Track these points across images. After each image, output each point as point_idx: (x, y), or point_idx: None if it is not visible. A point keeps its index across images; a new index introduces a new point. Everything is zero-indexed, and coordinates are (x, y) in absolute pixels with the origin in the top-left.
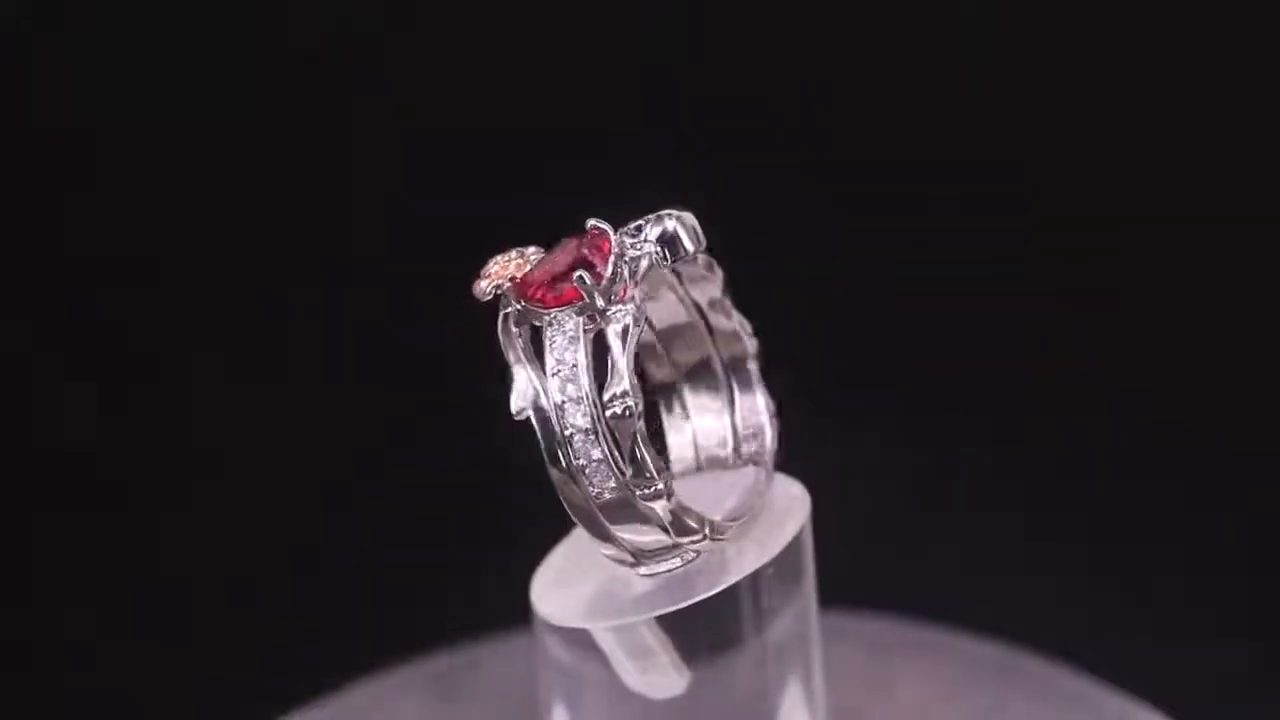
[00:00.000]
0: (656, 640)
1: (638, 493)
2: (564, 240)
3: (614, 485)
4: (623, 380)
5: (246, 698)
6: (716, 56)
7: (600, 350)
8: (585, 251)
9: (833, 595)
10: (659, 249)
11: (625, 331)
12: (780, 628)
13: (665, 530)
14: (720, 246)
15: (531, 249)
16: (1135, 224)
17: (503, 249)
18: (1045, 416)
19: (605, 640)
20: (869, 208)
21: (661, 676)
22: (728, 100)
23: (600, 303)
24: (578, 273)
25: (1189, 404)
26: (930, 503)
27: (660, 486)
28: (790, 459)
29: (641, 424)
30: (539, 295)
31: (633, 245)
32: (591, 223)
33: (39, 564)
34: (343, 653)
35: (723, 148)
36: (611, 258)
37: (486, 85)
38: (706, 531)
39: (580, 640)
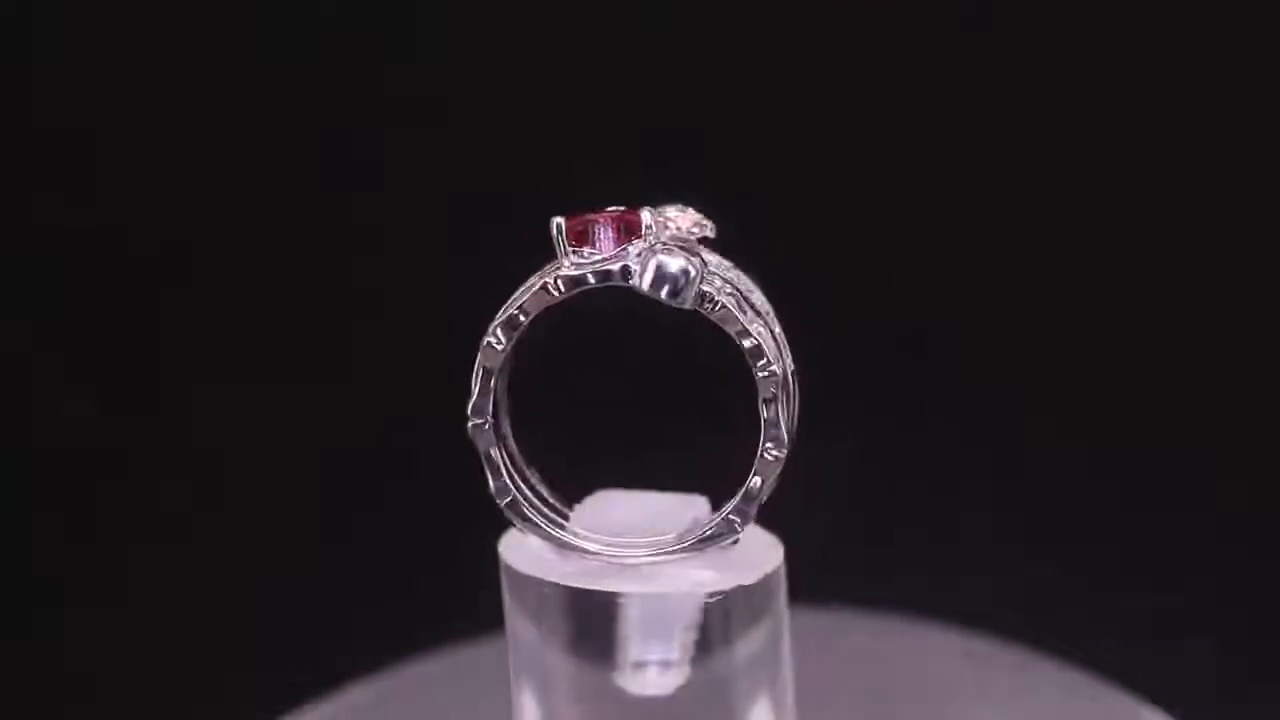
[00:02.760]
0: (684, 625)
1: (469, 421)
2: (643, 209)
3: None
4: (502, 317)
5: (246, 698)
6: (717, 55)
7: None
8: (601, 219)
9: (831, 594)
10: (647, 280)
11: (535, 286)
12: (750, 645)
13: (493, 469)
14: (722, 246)
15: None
16: (1135, 222)
17: (503, 248)
18: (1046, 415)
19: (633, 610)
20: (867, 206)
21: (660, 672)
22: (726, 99)
23: (565, 259)
24: (557, 219)
25: (1189, 403)
26: (930, 501)
27: (474, 423)
28: (791, 455)
29: (492, 369)
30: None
31: (639, 253)
32: (646, 213)
33: (39, 564)
34: (343, 653)
35: (721, 148)
36: (630, 246)
37: (485, 84)
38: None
39: (549, 624)
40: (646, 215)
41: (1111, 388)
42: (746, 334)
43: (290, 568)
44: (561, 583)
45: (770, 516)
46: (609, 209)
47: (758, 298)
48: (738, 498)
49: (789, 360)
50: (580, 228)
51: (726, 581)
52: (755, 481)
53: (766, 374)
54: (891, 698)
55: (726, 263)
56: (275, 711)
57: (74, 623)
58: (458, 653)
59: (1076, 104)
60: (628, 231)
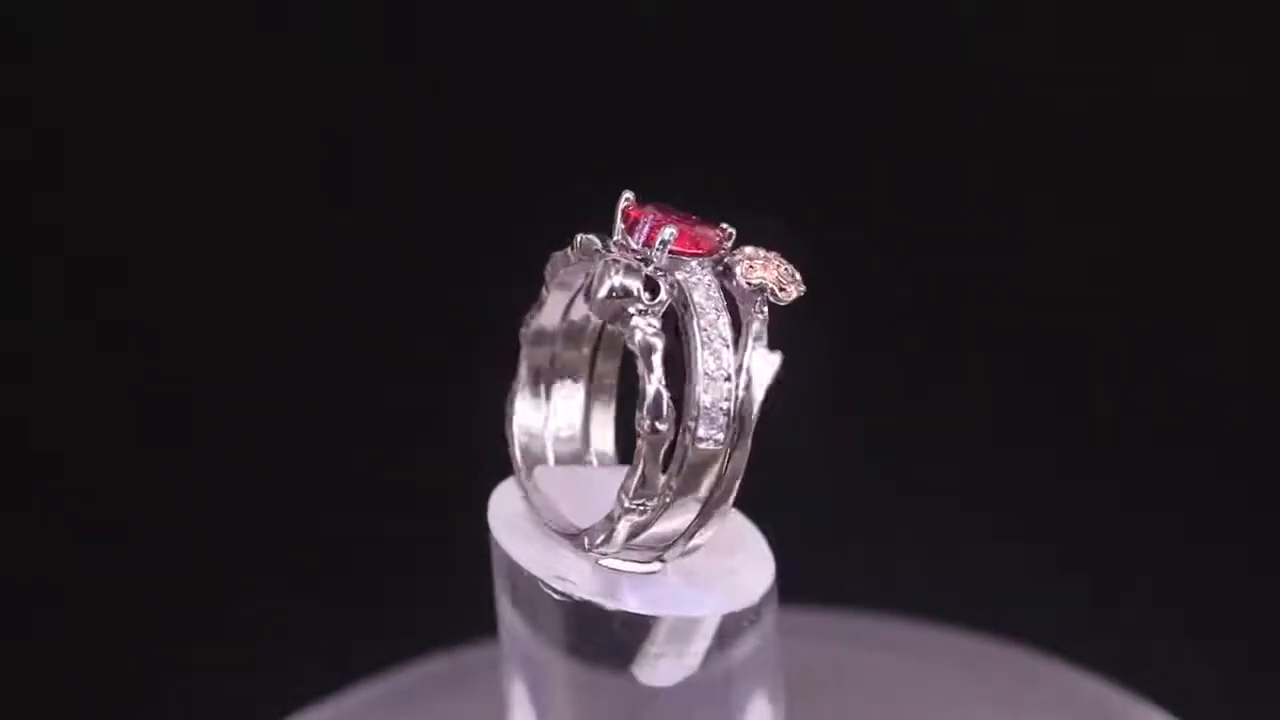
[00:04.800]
0: (706, 632)
1: None
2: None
3: None
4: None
5: (246, 699)
6: (717, 55)
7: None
8: (649, 216)
9: (830, 594)
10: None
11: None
12: (742, 648)
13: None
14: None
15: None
16: (1132, 224)
17: (501, 248)
18: (1044, 415)
19: (665, 620)
20: (866, 202)
21: (674, 663)
22: (725, 97)
23: (615, 234)
24: (628, 193)
25: (1188, 403)
26: (929, 501)
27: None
28: (788, 456)
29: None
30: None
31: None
32: (668, 230)
33: (39, 564)
34: (343, 654)
35: (718, 145)
36: (664, 247)
37: (483, 82)
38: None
39: (542, 620)
40: (667, 232)
41: (1113, 386)
42: (646, 380)
43: (290, 568)
44: (549, 584)
45: (770, 516)
46: (675, 214)
47: (728, 365)
48: (587, 530)
49: (708, 435)
50: (636, 214)
51: (715, 607)
52: (608, 525)
53: (640, 425)
54: (890, 698)
55: (757, 319)
56: (275, 713)
57: (74, 622)
58: (458, 655)
59: (1075, 103)
60: (658, 221)
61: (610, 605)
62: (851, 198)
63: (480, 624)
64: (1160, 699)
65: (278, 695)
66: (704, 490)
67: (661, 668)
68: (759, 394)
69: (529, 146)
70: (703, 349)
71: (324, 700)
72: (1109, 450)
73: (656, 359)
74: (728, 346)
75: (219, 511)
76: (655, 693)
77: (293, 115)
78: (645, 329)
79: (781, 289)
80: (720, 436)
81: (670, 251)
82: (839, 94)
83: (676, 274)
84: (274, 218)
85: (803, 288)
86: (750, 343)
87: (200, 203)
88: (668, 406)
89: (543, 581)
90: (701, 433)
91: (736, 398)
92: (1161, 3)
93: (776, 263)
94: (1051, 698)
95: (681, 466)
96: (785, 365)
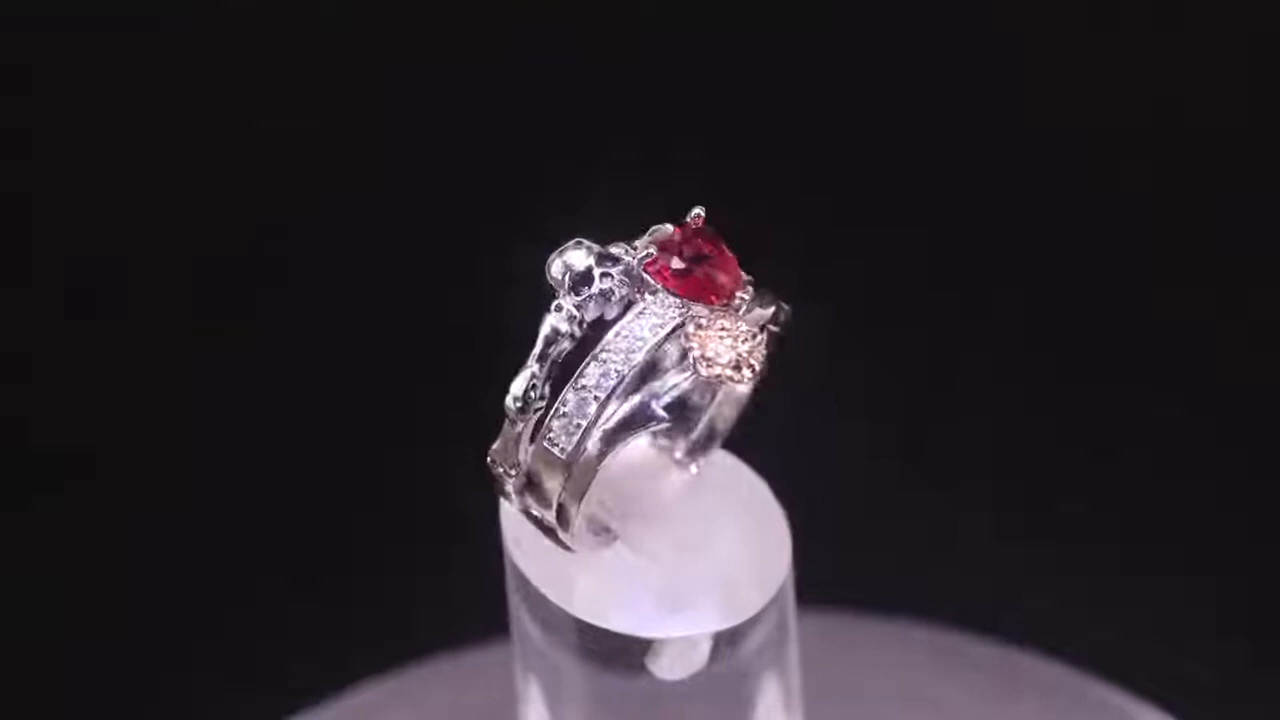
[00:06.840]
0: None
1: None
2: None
3: None
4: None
5: (247, 698)
6: (717, 55)
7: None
8: (679, 233)
9: (831, 595)
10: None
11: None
12: (756, 640)
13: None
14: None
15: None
16: (1127, 226)
17: (501, 248)
18: (1044, 414)
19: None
20: (865, 202)
21: (683, 660)
22: (725, 97)
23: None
24: (700, 209)
25: (1188, 402)
26: (930, 501)
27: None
28: (787, 458)
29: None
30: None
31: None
32: (641, 258)
33: (38, 564)
34: (343, 654)
35: (718, 145)
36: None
37: (482, 82)
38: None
39: (553, 622)
40: (647, 249)
41: (1113, 385)
42: (528, 363)
43: (290, 568)
44: (571, 613)
45: None
46: (712, 249)
47: (606, 392)
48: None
49: (558, 439)
50: (678, 230)
51: (708, 624)
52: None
53: (511, 410)
54: (890, 698)
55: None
56: (275, 713)
57: (73, 622)
58: (459, 655)
59: (1070, 97)
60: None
61: (597, 623)
62: (852, 198)
63: (481, 624)
64: (1160, 699)
65: (278, 695)
66: (548, 494)
67: (670, 665)
68: (615, 443)
69: (530, 146)
70: (593, 362)
71: (324, 700)
72: (1109, 450)
73: (547, 347)
74: (622, 380)
75: (219, 511)
76: (669, 693)
77: (292, 115)
78: (558, 317)
79: (709, 365)
80: (568, 448)
81: (654, 276)
82: (839, 94)
83: (647, 295)
84: (274, 218)
85: (745, 377)
86: (645, 395)
87: (200, 203)
88: (527, 395)
89: (541, 591)
90: (554, 431)
91: (593, 431)
92: (1162, 3)
93: (738, 345)
94: (1052, 698)
95: (530, 458)
96: (790, 372)
